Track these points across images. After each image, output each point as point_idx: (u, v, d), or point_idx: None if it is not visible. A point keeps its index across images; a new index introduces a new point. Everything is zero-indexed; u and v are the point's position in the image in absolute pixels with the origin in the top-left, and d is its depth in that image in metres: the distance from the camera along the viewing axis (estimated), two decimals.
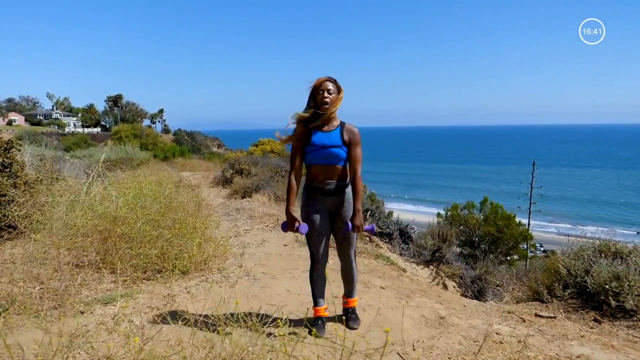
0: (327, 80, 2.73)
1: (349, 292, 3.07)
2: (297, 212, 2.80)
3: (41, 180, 5.59)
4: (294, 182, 2.80)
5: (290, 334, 2.70)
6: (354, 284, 3.06)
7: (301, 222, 2.79)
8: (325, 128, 2.76)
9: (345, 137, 2.75)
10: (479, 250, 12.23)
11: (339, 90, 2.77)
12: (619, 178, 65.94)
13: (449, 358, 2.61)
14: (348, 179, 2.84)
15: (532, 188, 23.85)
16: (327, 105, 2.70)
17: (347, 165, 2.83)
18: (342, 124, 2.80)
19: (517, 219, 13.70)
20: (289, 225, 2.76)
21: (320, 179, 2.78)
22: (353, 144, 2.76)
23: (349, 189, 2.85)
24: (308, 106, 2.79)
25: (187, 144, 53.21)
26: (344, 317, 3.08)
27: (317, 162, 2.75)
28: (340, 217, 2.83)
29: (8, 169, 5.18)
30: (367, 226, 2.80)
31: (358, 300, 3.33)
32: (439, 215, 13.55)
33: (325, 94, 2.70)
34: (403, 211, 24.40)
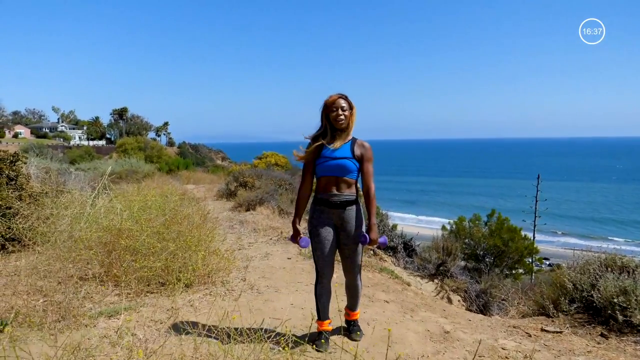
0: (339, 97, 2.75)
1: (352, 306, 3.05)
2: (302, 225, 2.84)
3: (46, 192, 5.63)
4: (303, 195, 2.86)
5: (293, 348, 2.68)
6: (358, 298, 3.03)
7: (303, 235, 2.81)
8: (337, 144, 2.77)
9: (357, 152, 2.77)
10: (483, 263, 12.14)
11: (351, 106, 2.78)
12: (622, 192, 65.42)
13: None
14: (356, 195, 2.82)
15: (537, 201, 23.77)
16: (343, 122, 2.75)
17: (357, 180, 2.83)
18: (353, 139, 2.82)
19: (523, 233, 13.60)
20: (294, 236, 2.84)
21: (327, 190, 2.77)
22: (365, 159, 2.77)
23: (357, 207, 2.82)
24: (322, 124, 2.81)
25: (192, 157, 53.50)
26: (344, 329, 3.06)
27: (325, 173, 2.76)
28: (345, 232, 2.80)
29: (14, 182, 5.22)
30: (380, 239, 2.77)
31: (362, 313, 3.30)
32: (443, 227, 13.49)
33: (340, 112, 2.73)
34: (407, 224, 24.31)
